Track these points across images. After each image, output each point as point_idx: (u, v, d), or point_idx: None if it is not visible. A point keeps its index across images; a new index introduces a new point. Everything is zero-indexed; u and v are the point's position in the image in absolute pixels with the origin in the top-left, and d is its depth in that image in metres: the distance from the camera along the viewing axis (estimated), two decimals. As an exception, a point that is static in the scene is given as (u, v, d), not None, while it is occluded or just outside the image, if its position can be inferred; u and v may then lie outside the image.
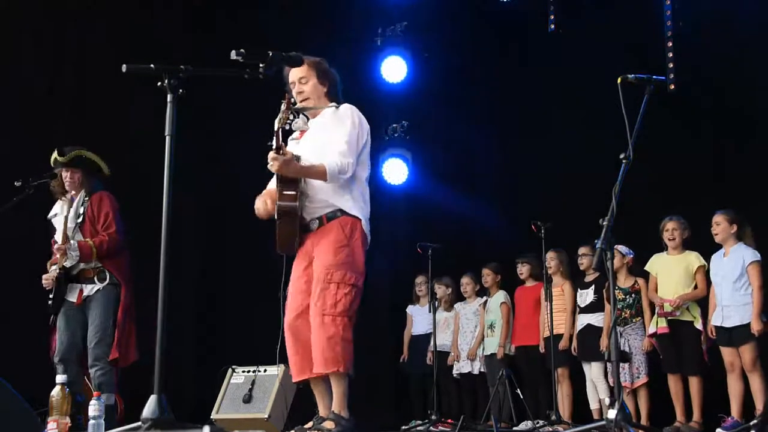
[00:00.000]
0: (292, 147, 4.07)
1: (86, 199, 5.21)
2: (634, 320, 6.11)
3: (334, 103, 4.14)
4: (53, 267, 5.20)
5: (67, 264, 5.07)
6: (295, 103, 3.83)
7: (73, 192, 5.25)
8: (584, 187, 7.07)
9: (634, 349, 6.02)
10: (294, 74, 4.09)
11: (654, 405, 6.02)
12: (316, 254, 3.99)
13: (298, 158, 3.97)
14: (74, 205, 5.22)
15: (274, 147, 3.81)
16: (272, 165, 3.84)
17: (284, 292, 4.09)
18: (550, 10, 7.91)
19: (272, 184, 4.21)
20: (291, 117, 3.80)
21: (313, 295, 3.92)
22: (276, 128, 3.79)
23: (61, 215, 5.25)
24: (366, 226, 4.05)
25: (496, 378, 6.45)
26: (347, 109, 4.09)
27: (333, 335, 3.83)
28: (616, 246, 5.98)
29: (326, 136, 4.03)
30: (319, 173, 3.90)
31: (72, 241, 5.04)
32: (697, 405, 5.65)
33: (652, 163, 6.24)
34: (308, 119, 4.22)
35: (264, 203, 4.11)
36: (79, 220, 5.16)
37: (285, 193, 3.94)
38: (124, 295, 5.12)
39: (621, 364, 5.92)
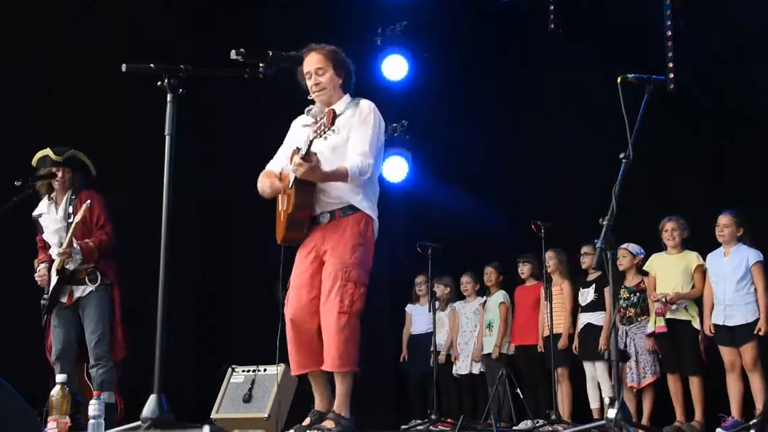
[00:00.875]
0: (304, 132, 3.99)
1: (73, 198, 5.21)
2: (639, 319, 6.09)
3: (348, 95, 4.09)
4: (41, 265, 5.21)
5: (70, 267, 5.08)
6: (335, 117, 3.68)
7: (60, 191, 5.25)
8: (584, 187, 7.07)
9: (639, 348, 6.01)
10: (310, 64, 4.01)
11: (655, 405, 6.02)
12: (330, 249, 3.94)
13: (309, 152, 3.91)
14: (62, 204, 5.22)
15: (303, 152, 3.71)
16: (297, 170, 3.76)
17: (282, 284, 4.06)
18: (550, 10, 7.91)
19: (275, 164, 4.17)
20: (331, 132, 3.71)
21: (329, 292, 3.87)
22: (312, 137, 3.70)
23: (48, 215, 5.25)
24: (376, 226, 4.03)
25: (495, 377, 6.45)
26: (369, 107, 4.03)
27: (350, 335, 3.82)
28: (627, 245, 6.04)
29: (346, 133, 3.97)
30: (341, 176, 3.86)
31: (75, 245, 5.04)
32: (699, 405, 5.64)
33: (652, 163, 6.24)
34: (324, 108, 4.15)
35: (270, 186, 4.03)
36: (70, 219, 5.16)
37: (301, 199, 3.89)
38: (117, 294, 5.16)
39: (627, 364, 5.93)
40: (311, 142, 3.69)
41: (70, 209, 5.18)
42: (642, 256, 6.17)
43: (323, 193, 3.96)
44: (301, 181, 3.85)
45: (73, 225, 5.03)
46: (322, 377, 3.98)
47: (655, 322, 5.83)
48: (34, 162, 5.27)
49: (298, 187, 3.87)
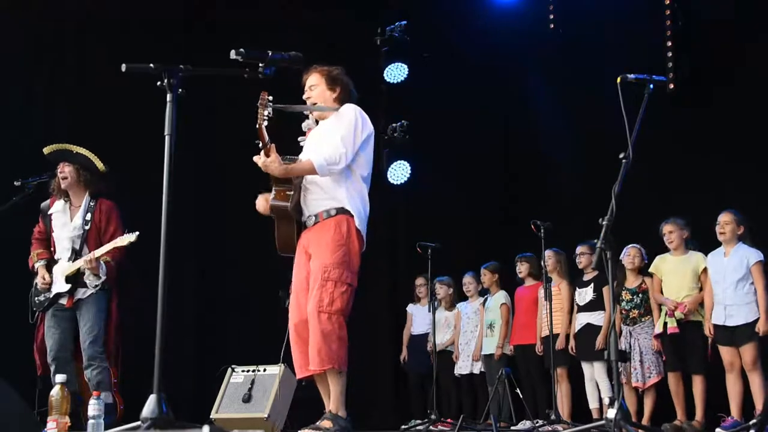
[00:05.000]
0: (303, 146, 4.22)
1: (92, 205, 5.21)
2: (643, 319, 6.08)
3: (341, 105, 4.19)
4: (40, 263, 5.20)
5: (91, 281, 5.08)
6: (272, 101, 3.88)
7: (73, 192, 5.23)
8: (584, 187, 7.08)
9: (643, 348, 5.99)
10: (307, 82, 4.24)
11: (655, 404, 6.01)
12: (313, 251, 4.03)
13: (293, 159, 4.02)
14: (80, 210, 5.22)
15: (260, 146, 3.90)
16: (258, 163, 3.96)
17: (285, 291, 4.12)
18: (550, 10, 7.92)
19: None
20: (267, 114, 3.85)
21: (310, 292, 3.96)
22: (257, 126, 3.86)
23: (62, 215, 5.23)
24: (361, 226, 4.06)
25: (495, 378, 6.44)
26: (347, 107, 4.16)
27: (329, 333, 3.86)
28: (639, 246, 6.02)
29: (325, 136, 4.09)
30: (308, 169, 3.98)
31: (102, 263, 5.04)
32: (700, 404, 5.62)
33: (652, 163, 6.24)
34: (317, 121, 4.29)
35: (263, 201, 4.19)
36: (87, 227, 5.16)
37: (278, 191, 4.02)
38: (116, 299, 5.18)
39: (632, 364, 5.92)
40: (260, 131, 3.88)
41: (88, 216, 5.18)
42: (645, 261, 6.18)
43: (307, 192, 4.07)
44: (276, 180, 4.04)
45: (81, 228, 5.01)
46: (327, 380, 3.99)
47: (667, 323, 5.81)
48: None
49: (275, 187, 4.06)
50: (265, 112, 3.85)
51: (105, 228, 5.15)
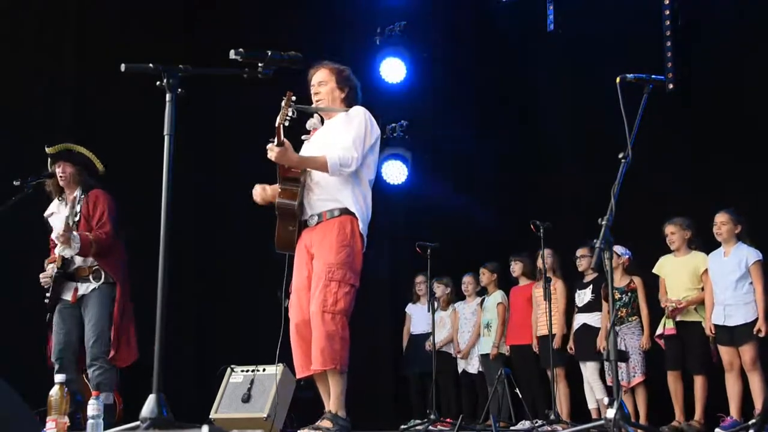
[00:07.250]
0: (304, 145, 4.20)
1: (82, 196, 5.20)
2: (630, 319, 6.11)
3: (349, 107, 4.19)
4: (50, 265, 5.19)
5: (67, 254, 5.04)
6: (296, 101, 3.87)
7: (68, 190, 5.24)
8: (584, 187, 7.07)
9: (630, 348, 6.01)
10: (315, 77, 4.21)
11: (652, 404, 6.02)
12: (316, 251, 4.02)
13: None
14: (70, 202, 5.22)
15: (275, 144, 3.88)
16: (270, 154, 3.92)
17: (286, 290, 4.11)
18: (550, 10, 7.92)
19: None
20: (290, 114, 3.84)
21: (313, 292, 3.95)
22: (276, 124, 3.84)
23: (58, 214, 5.23)
24: (363, 228, 4.07)
25: (494, 377, 6.45)
26: (357, 109, 4.15)
27: (332, 333, 3.86)
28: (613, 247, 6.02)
29: (334, 136, 4.08)
30: (320, 164, 3.96)
31: (75, 232, 5.02)
32: (700, 404, 5.63)
33: (652, 163, 6.24)
34: (323, 120, 4.27)
35: (261, 190, 4.17)
36: (76, 218, 5.14)
37: (285, 190, 3.99)
38: (119, 293, 5.08)
39: (618, 364, 5.92)
40: (278, 129, 3.84)
41: (78, 208, 5.16)
42: (628, 256, 6.18)
43: (311, 191, 4.06)
44: (284, 179, 4.01)
45: (71, 218, 5.01)
46: (327, 380, 4.00)
47: (665, 324, 5.82)
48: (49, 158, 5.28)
49: (282, 186, 4.03)
50: (289, 112, 3.84)
51: (93, 214, 5.11)
